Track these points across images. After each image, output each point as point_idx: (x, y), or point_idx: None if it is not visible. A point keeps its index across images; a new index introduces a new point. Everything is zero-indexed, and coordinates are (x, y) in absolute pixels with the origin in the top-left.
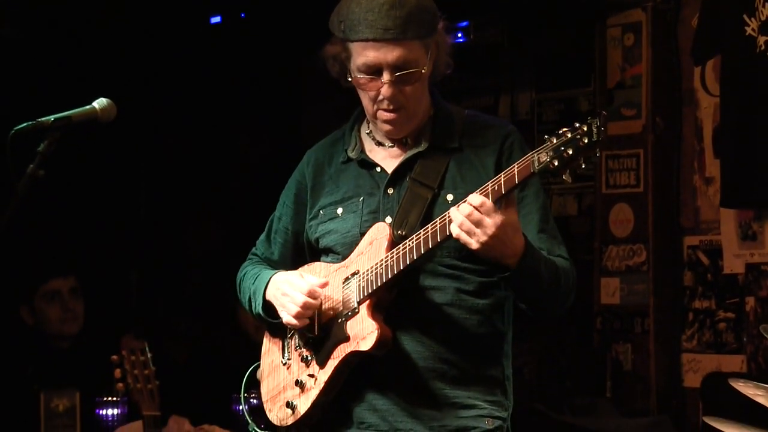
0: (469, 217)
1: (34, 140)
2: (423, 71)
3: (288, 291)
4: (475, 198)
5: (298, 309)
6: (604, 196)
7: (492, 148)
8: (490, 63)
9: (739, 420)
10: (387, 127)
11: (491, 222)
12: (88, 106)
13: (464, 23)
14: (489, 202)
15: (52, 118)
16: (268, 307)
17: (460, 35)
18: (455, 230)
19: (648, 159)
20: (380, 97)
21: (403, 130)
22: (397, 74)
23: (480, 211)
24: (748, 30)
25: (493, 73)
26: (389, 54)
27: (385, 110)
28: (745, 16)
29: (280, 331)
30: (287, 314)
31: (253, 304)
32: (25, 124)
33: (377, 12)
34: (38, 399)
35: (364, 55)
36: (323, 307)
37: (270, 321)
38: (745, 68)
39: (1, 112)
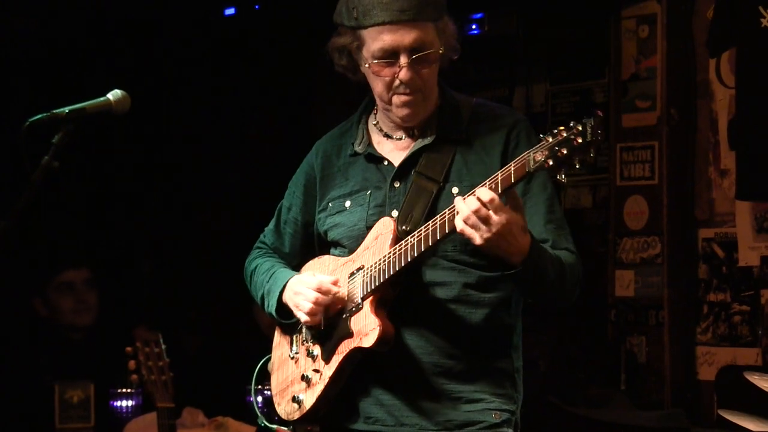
0: (476, 213)
1: (48, 132)
2: (440, 51)
3: (300, 290)
4: (485, 193)
5: (311, 305)
6: (619, 188)
7: (498, 139)
8: (505, 55)
9: (754, 413)
10: (404, 111)
11: (498, 219)
12: (102, 98)
13: (479, 15)
14: (498, 199)
15: (66, 109)
16: (283, 308)
17: (474, 27)
18: (459, 224)
19: (663, 151)
20: (396, 83)
21: (418, 115)
22: (414, 56)
23: (488, 207)
24: (764, 22)
25: (508, 64)
26: (406, 36)
27: (402, 94)
28: (760, 8)
29: (290, 325)
30: (301, 312)
31: (266, 303)
32: (39, 116)
33: None
34: (52, 390)
35: (380, 39)
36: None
37: (282, 322)
38: (760, 60)
39: (16, 104)
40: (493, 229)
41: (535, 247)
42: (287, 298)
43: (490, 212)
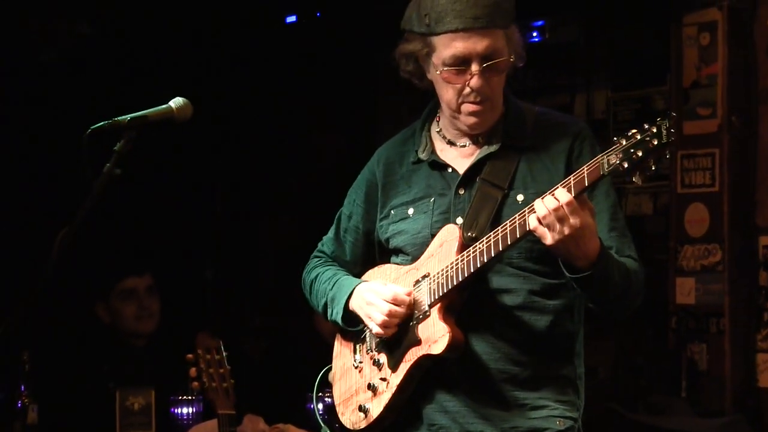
0: (555, 212)
1: (110, 139)
2: (511, 59)
3: (373, 300)
4: (563, 194)
5: (384, 318)
6: (680, 195)
7: (562, 147)
8: (566, 62)
9: None
10: (472, 120)
11: (573, 222)
12: (164, 106)
13: (540, 22)
14: (575, 202)
15: (128, 117)
16: (348, 315)
17: (536, 34)
18: (534, 222)
19: (723, 158)
20: (467, 90)
21: (486, 123)
22: (485, 64)
23: (566, 209)
24: None
25: (569, 72)
26: (479, 44)
27: (472, 102)
28: None
29: (352, 334)
30: (374, 324)
31: (330, 311)
32: (101, 123)
33: (465, 2)
34: (114, 397)
35: (452, 46)
36: None
37: (348, 329)
38: None
39: (79, 111)
40: (566, 231)
41: (603, 253)
42: (356, 306)
43: (568, 213)
